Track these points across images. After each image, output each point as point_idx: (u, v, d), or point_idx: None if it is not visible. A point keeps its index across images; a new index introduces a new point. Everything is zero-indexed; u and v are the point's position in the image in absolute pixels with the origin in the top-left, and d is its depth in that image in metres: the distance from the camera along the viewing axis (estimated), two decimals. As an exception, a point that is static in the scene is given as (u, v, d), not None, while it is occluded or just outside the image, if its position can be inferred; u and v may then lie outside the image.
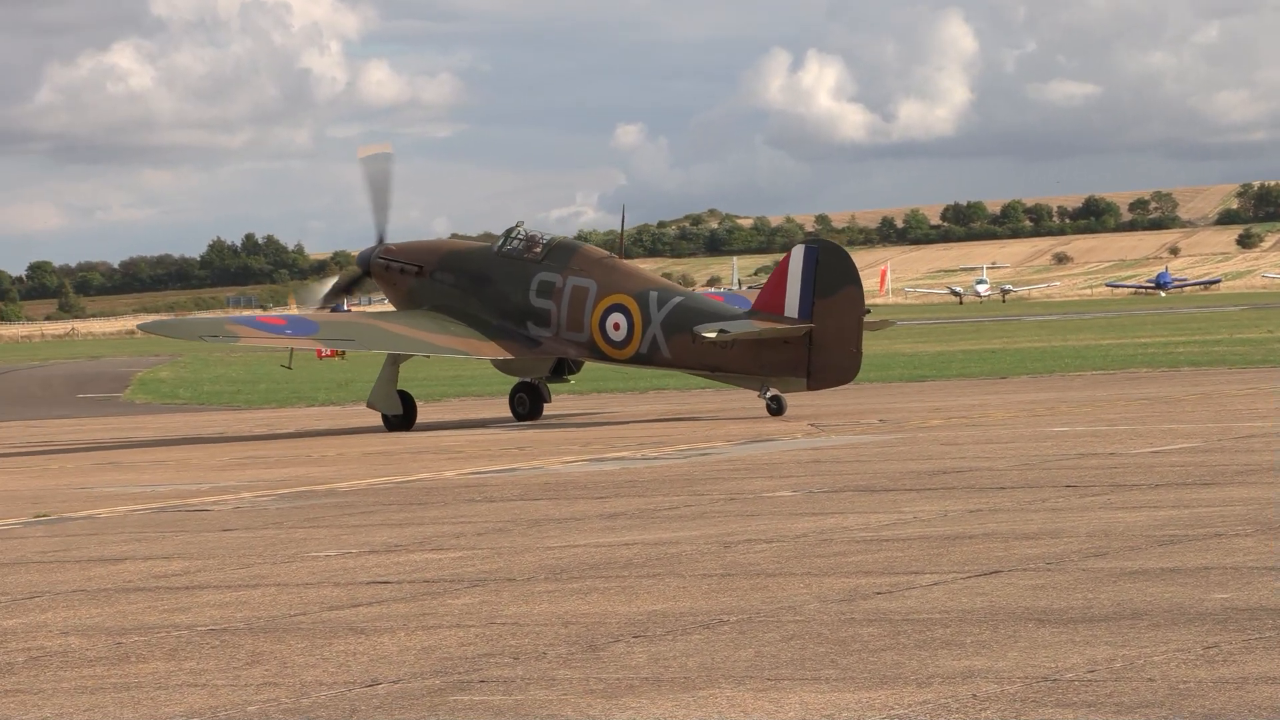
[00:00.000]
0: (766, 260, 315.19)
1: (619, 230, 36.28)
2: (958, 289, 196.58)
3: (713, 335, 31.41)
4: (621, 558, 14.70)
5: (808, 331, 30.92)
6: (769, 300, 31.42)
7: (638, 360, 32.64)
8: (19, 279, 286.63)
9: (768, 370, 31.37)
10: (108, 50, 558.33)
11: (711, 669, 10.07)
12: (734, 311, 32.39)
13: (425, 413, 35.75)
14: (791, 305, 31.04)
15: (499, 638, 11.28)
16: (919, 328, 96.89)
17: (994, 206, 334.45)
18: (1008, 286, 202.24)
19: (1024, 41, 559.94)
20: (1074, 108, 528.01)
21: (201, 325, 39.66)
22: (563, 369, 33.79)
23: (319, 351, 68.34)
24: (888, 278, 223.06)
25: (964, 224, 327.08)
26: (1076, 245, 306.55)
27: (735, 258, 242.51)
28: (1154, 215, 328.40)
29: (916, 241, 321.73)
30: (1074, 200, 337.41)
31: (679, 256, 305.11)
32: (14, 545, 17.48)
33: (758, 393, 31.78)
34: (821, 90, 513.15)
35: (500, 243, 34.19)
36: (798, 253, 31.20)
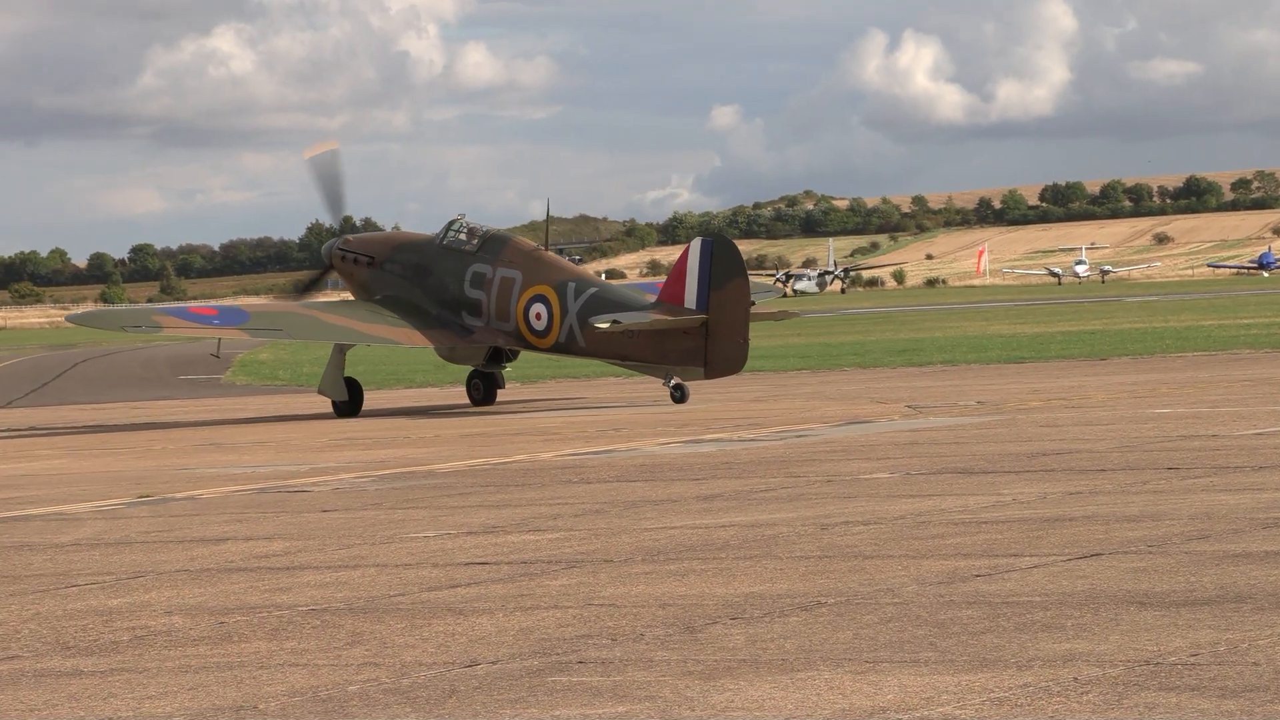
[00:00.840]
0: (862, 241, 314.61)
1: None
2: (1056, 270, 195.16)
3: (605, 325, 32.47)
4: (718, 539, 14.70)
5: (703, 322, 31.71)
6: (671, 292, 32.36)
7: (558, 349, 33.88)
8: (121, 262, 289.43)
9: (670, 360, 32.36)
10: (209, 34, 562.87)
11: (809, 651, 10.05)
12: (642, 303, 33.16)
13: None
14: (690, 297, 31.95)
15: (596, 619, 11.31)
16: (1017, 309, 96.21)
17: (1093, 187, 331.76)
18: (1107, 267, 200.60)
19: (1124, 20, 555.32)
20: (1175, 86, 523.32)
21: (127, 316, 39.78)
22: (500, 356, 35.30)
23: None
24: (985, 259, 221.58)
25: (1062, 204, 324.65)
26: (1177, 225, 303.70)
27: (831, 239, 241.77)
28: (1256, 195, 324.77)
29: (1014, 222, 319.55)
30: (1174, 180, 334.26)
31: (774, 238, 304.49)
32: (119, 525, 17.67)
33: (662, 381, 32.73)
34: (919, 70, 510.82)
35: (442, 235, 35.48)
36: (695, 245, 32.23)
